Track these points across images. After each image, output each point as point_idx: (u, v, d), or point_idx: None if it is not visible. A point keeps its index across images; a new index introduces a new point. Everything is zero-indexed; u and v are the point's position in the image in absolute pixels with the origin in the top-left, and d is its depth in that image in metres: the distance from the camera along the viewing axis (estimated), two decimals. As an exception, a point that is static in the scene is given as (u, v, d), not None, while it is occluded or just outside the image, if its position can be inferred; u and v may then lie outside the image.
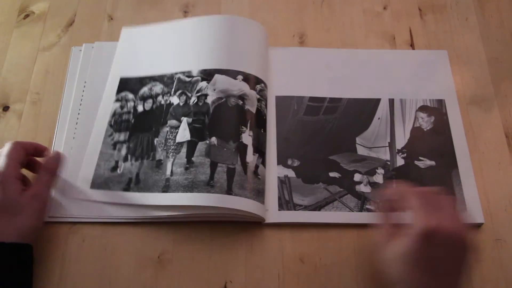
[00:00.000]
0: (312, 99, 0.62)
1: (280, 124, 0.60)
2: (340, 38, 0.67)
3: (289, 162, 0.58)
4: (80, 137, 0.59)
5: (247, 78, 0.59)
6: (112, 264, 0.53)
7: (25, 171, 0.53)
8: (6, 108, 0.62)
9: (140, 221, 0.54)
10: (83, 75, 0.63)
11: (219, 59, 0.60)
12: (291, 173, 0.57)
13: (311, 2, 0.70)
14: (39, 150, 0.54)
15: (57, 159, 0.54)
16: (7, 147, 0.50)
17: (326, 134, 0.60)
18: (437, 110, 0.61)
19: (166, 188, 0.54)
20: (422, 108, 0.61)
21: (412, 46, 0.66)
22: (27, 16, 0.69)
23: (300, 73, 0.64)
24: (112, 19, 0.69)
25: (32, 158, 0.54)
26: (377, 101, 0.62)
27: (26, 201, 0.48)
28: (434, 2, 0.70)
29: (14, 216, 0.47)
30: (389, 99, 0.62)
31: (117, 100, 0.60)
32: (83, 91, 0.62)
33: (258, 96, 0.59)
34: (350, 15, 0.69)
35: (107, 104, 0.60)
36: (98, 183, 0.55)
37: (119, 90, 0.61)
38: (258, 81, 0.59)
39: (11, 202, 0.47)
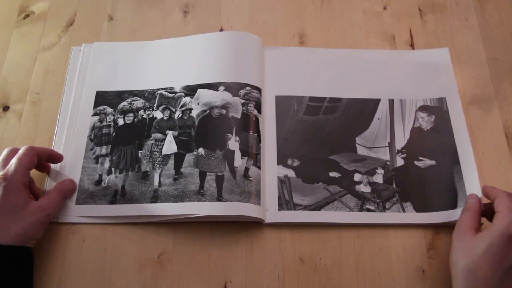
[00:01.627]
0: (312, 99, 0.62)
1: (280, 124, 0.60)
2: (340, 38, 0.67)
3: (289, 162, 0.58)
4: (72, 139, 0.59)
5: (228, 87, 0.60)
6: (112, 264, 0.53)
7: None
8: (6, 108, 0.62)
9: (140, 221, 0.54)
10: (82, 75, 0.63)
11: (200, 75, 0.62)
12: (291, 173, 0.57)
13: (311, 2, 0.70)
14: (53, 157, 0.55)
15: (73, 186, 0.55)
16: (21, 151, 0.50)
17: (326, 134, 0.60)
18: (437, 108, 0.61)
19: (155, 199, 0.55)
20: (422, 108, 0.61)
21: (412, 46, 0.66)
22: (27, 16, 0.69)
23: (300, 73, 0.64)
24: (112, 19, 0.69)
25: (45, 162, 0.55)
26: (377, 101, 0.62)
27: (33, 210, 0.48)
28: (434, 2, 0.70)
29: (16, 221, 0.47)
30: (389, 100, 0.62)
31: (95, 114, 0.61)
32: (83, 91, 0.62)
33: (243, 101, 0.59)
34: (350, 15, 0.69)
35: (85, 118, 0.60)
36: (82, 198, 0.55)
37: (97, 104, 0.61)
38: (242, 86, 0.60)
39: (15, 206, 0.47)
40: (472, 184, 0.56)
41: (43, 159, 0.54)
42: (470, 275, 0.44)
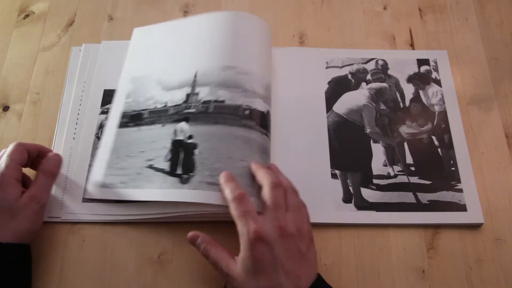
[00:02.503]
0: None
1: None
2: (340, 38, 0.67)
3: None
4: (79, 138, 0.59)
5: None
6: (112, 264, 0.53)
7: (29, 171, 0.53)
8: (6, 108, 0.62)
9: (140, 221, 0.54)
10: (82, 75, 0.63)
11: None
12: None
13: (311, 2, 0.70)
14: (43, 152, 0.54)
15: (56, 161, 0.53)
16: (10, 147, 0.50)
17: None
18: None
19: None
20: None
21: (412, 46, 0.66)
22: (27, 16, 0.69)
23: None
24: (112, 19, 0.69)
25: (36, 158, 0.54)
26: None
27: (24, 203, 0.48)
28: (434, 2, 0.70)
29: (12, 218, 0.47)
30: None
31: (102, 112, 0.60)
32: (83, 91, 0.62)
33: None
34: (350, 15, 0.69)
35: (92, 117, 0.60)
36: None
37: (104, 102, 0.61)
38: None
39: (9, 204, 0.47)
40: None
41: (33, 155, 0.52)
42: None
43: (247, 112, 0.56)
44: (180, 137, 0.55)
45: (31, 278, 0.49)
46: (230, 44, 0.59)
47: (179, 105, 0.57)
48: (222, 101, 0.56)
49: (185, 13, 0.69)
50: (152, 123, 0.57)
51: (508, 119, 0.61)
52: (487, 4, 0.70)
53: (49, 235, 0.53)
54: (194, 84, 0.57)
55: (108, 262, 0.53)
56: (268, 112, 0.57)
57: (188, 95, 0.57)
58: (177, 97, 0.58)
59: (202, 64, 0.58)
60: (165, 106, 0.57)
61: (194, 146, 0.53)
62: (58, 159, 0.54)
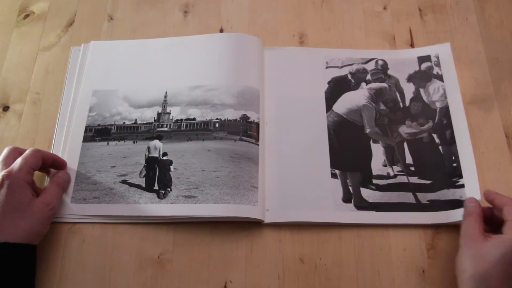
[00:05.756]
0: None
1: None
2: (340, 38, 0.67)
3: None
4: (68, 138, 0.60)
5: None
6: (112, 264, 0.53)
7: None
8: (6, 108, 0.62)
9: (140, 221, 0.54)
10: (80, 75, 0.63)
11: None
12: None
13: (311, 2, 0.70)
14: (57, 163, 0.56)
15: (68, 178, 0.55)
16: (27, 151, 0.51)
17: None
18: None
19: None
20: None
21: (412, 46, 0.66)
22: (27, 16, 0.69)
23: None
24: (112, 19, 0.69)
25: (48, 166, 0.55)
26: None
27: (38, 206, 0.49)
28: (434, 2, 0.70)
29: (23, 218, 0.48)
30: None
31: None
32: (79, 90, 0.62)
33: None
34: (350, 15, 0.69)
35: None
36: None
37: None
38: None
39: (20, 204, 0.48)
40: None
41: (48, 163, 0.54)
42: (481, 283, 0.44)
43: (217, 125, 0.59)
44: (155, 154, 0.58)
45: (35, 278, 0.49)
46: (197, 64, 0.63)
47: (150, 123, 0.60)
48: (193, 119, 0.59)
49: (185, 13, 0.69)
50: (121, 139, 0.60)
51: (508, 119, 0.61)
52: (487, 4, 0.70)
53: (49, 235, 0.53)
54: (165, 104, 0.60)
55: (108, 262, 0.53)
56: (243, 116, 0.59)
57: (159, 114, 0.60)
58: (148, 115, 0.60)
59: (171, 85, 0.61)
60: (135, 123, 0.60)
61: (170, 162, 0.57)
62: (69, 178, 0.56)
